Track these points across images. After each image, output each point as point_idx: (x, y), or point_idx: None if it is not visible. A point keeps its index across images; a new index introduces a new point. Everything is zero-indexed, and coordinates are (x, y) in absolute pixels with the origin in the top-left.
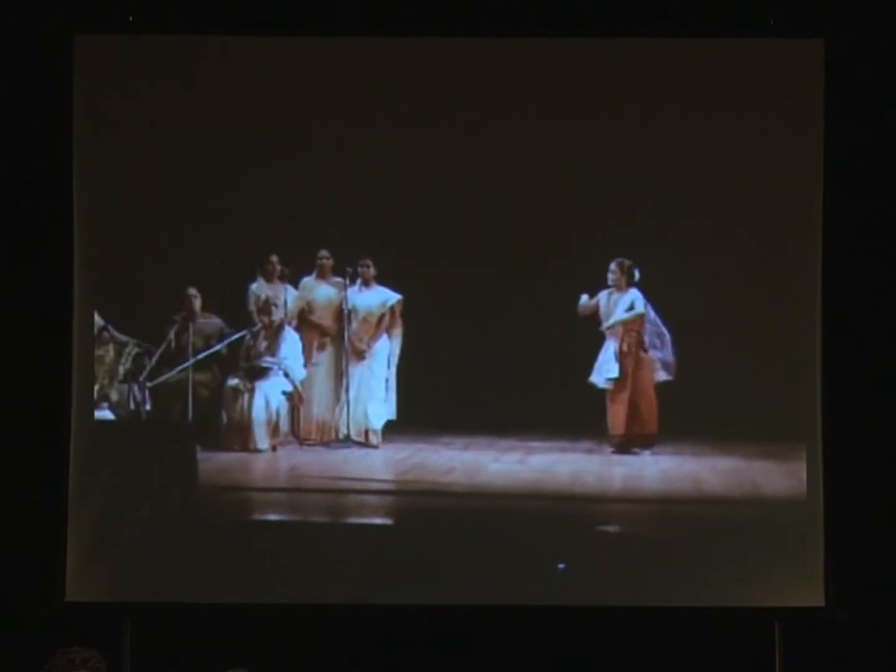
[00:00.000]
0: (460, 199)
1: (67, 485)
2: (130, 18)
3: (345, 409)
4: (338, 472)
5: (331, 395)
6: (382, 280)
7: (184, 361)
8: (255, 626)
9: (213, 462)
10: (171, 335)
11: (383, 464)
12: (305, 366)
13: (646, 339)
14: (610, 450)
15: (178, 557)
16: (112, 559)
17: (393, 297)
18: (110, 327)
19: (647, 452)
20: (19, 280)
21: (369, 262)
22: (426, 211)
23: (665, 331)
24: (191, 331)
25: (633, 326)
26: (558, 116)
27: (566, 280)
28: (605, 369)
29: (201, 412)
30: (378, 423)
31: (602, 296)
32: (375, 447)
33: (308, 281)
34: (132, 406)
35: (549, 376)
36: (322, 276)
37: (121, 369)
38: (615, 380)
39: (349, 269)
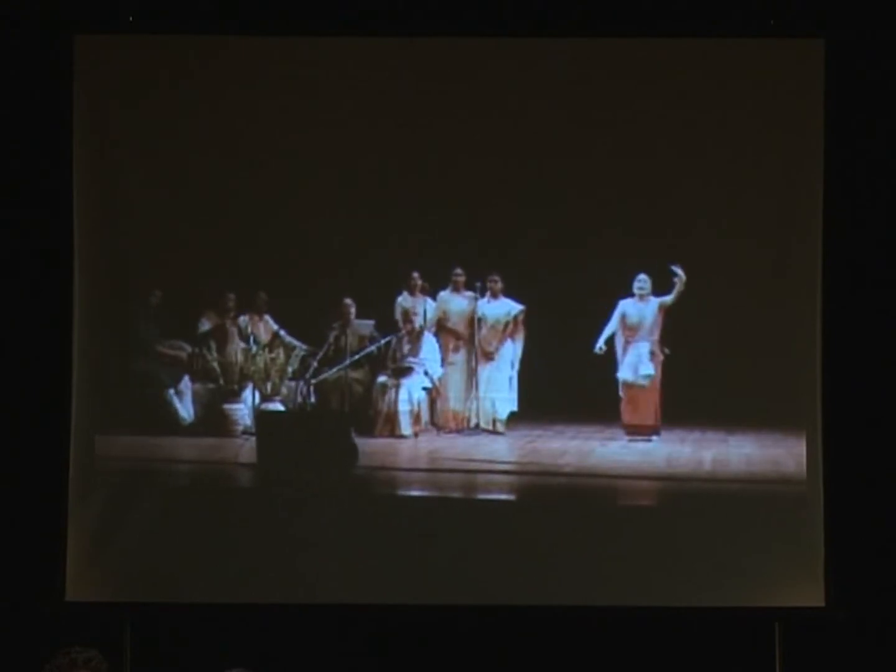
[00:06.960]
0: (568, 218)
1: (67, 485)
2: (130, 18)
3: (475, 401)
4: (469, 456)
5: (464, 390)
6: (508, 293)
7: (341, 362)
8: (255, 626)
9: (366, 446)
10: (331, 339)
11: (507, 448)
12: (442, 365)
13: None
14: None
15: (179, 557)
16: (112, 559)
17: (516, 308)
18: (282, 332)
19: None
20: (19, 280)
21: (497, 278)
22: (545, 230)
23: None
24: (347, 335)
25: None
26: (556, 118)
27: (575, 284)
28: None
29: (356, 404)
30: (503, 413)
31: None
32: (501, 434)
33: (445, 294)
34: (299, 399)
35: None
36: (457, 289)
37: (290, 369)
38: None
39: (479, 284)
